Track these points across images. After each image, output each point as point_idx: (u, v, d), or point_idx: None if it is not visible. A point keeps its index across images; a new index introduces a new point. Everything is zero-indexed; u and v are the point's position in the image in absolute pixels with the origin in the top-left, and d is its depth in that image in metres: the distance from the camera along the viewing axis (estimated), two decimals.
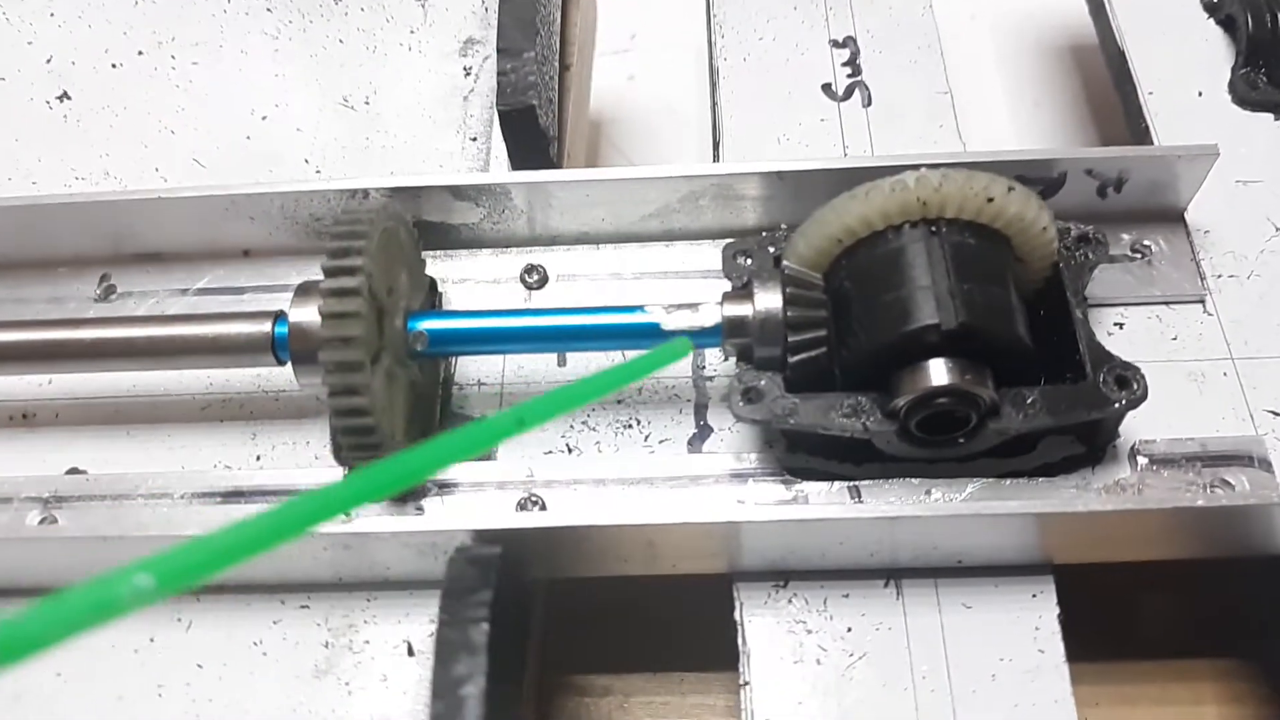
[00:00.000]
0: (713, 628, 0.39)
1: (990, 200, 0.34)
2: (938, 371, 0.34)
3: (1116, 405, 0.35)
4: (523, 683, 0.37)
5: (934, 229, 0.35)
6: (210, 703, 0.36)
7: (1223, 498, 0.34)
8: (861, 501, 0.36)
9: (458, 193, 0.41)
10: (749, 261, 0.39)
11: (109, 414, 0.41)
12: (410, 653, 0.36)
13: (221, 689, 0.36)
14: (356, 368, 0.34)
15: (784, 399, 0.36)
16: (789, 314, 0.35)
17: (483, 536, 0.34)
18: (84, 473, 0.40)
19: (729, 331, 0.36)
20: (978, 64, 0.64)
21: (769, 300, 0.36)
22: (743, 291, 0.37)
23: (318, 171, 0.47)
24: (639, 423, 0.40)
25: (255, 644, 0.37)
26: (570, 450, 0.39)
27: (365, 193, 0.40)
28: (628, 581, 0.41)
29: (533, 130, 0.41)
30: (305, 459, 0.40)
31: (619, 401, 0.40)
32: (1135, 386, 0.35)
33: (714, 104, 0.47)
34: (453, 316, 0.38)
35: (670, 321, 0.37)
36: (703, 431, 0.39)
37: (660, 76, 0.62)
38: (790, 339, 0.35)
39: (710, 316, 0.36)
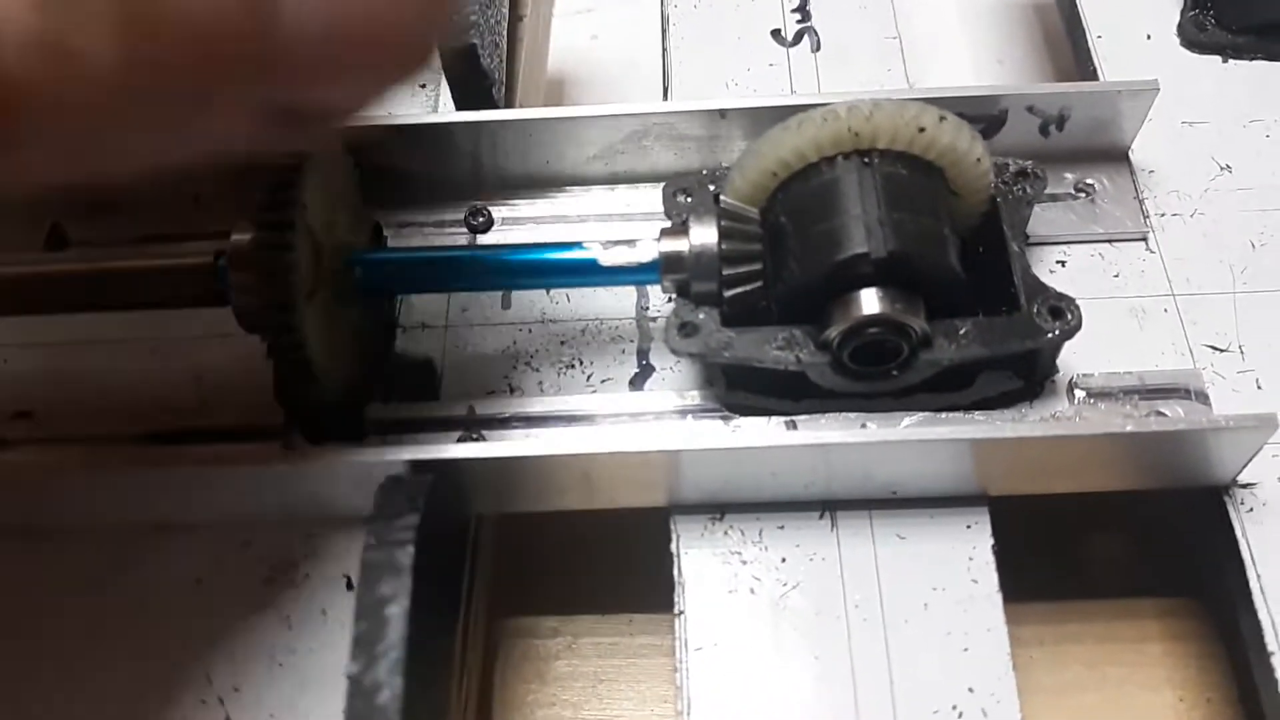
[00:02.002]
0: (660, 570, 0.39)
1: (922, 130, 0.35)
2: (869, 301, 0.34)
3: (1050, 335, 0.35)
4: (458, 620, 0.38)
5: (866, 160, 0.35)
6: (153, 640, 0.36)
7: (1153, 424, 0.34)
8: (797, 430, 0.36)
9: (399, 133, 0.41)
10: (689, 199, 0.39)
11: (58, 358, 0.42)
12: (349, 586, 0.36)
13: (165, 626, 0.36)
14: (290, 301, 0.34)
15: (720, 333, 0.36)
16: (724, 247, 0.36)
17: (419, 467, 0.34)
18: (31, 415, 0.40)
19: (666, 267, 0.36)
20: (942, 20, 0.64)
21: (704, 235, 0.36)
22: (680, 227, 0.37)
23: None
24: (581, 363, 0.40)
25: (197, 582, 0.37)
26: (512, 390, 0.39)
27: None
28: (575, 525, 0.41)
29: (475, 71, 0.41)
30: (250, 402, 0.40)
31: (562, 343, 0.40)
32: (1069, 317, 0.35)
33: (664, 50, 0.47)
34: (393, 254, 0.38)
35: (608, 257, 0.37)
36: (644, 371, 0.40)
37: (623, 36, 0.62)
38: (725, 272, 0.36)
39: (647, 252, 0.37)
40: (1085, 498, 0.38)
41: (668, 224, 0.39)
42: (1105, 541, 0.43)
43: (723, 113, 0.40)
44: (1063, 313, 0.35)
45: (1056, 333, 0.35)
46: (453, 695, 0.35)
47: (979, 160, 0.35)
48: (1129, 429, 0.33)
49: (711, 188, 0.39)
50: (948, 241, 0.35)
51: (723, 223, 0.36)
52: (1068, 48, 0.52)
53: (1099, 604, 0.42)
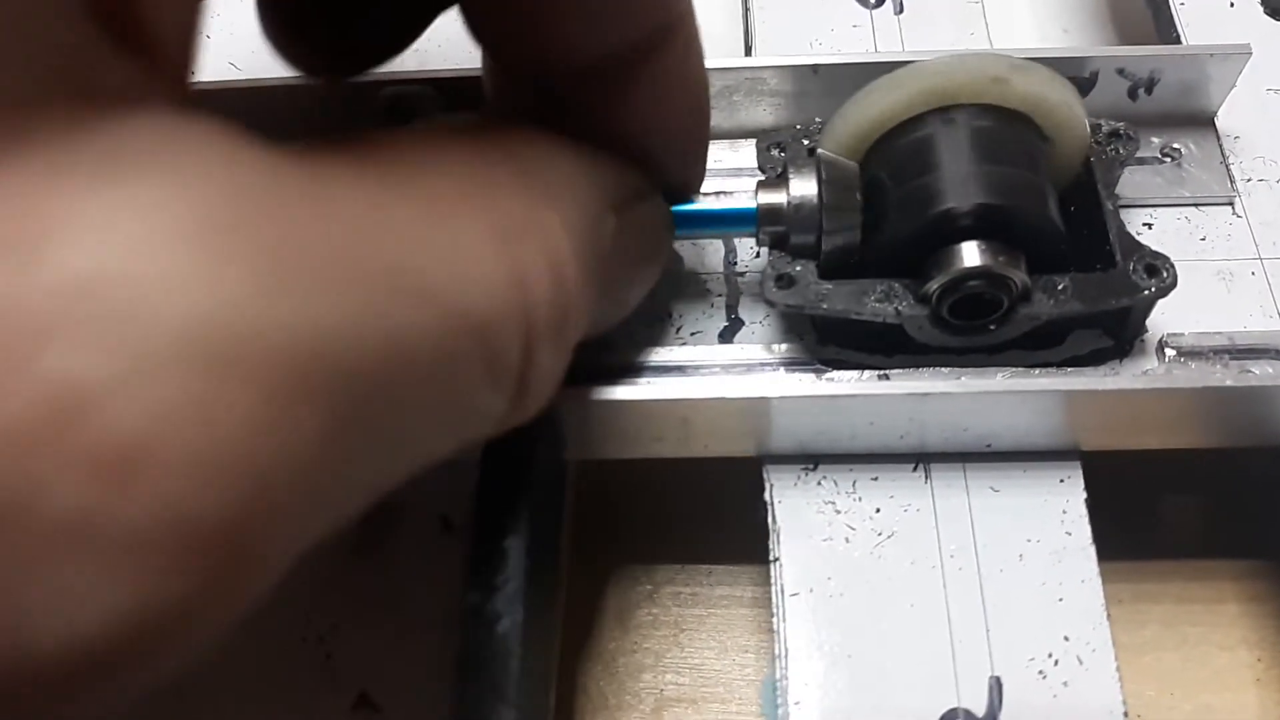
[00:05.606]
0: (737, 524, 0.40)
1: (996, 79, 0.35)
2: (970, 254, 0.34)
3: (1146, 292, 0.35)
4: (559, 565, 0.38)
5: (949, 117, 0.35)
6: None
7: (1251, 379, 0.34)
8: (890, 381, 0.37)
9: None
10: (783, 153, 0.39)
11: None
12: (446, 527, 0.36)
13: None
14: None
15: (817, 285, 0.36)
16: (824, 198, 0.36)
17: None
18: None
19: (764, 220, 0.37)
20: None
21: (804, 186, 0.36)
22: (778, 180, 0.37)
23: None
24: (670, 316, 0.40)
25: None
26: (604, 340, 0.39)
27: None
28: (656, 477, 0.42)
29: None
30: None
31: (650, 296, 0.40)
32: (1165, 274, 0.35)
33: (746, 9, 0.47)
34: None
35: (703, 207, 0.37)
36: (734, 325, 0.40)
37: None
38: (825, 224, 0.36)
39: (744, 204, 0.37)
40: (1161, 458, 0.38)
41: (762, 177, 0.39)
42: (1182, 502, 0.43)
43: (815, 68, 0.40)
44: (1158, 270, 0.35)
45: (1153, 289, 0.35)
46: (556, 638, 0.36)
47: (1070, 106, 0.36)
48: (1228, 383, 0.34)
49: (805, 142, 0.39)
50: (1044, 193, 0.35)
51: (823, 174, 0.36)
52: (1134, 20, 0.52)
53: (1175, 564, 0.42)
